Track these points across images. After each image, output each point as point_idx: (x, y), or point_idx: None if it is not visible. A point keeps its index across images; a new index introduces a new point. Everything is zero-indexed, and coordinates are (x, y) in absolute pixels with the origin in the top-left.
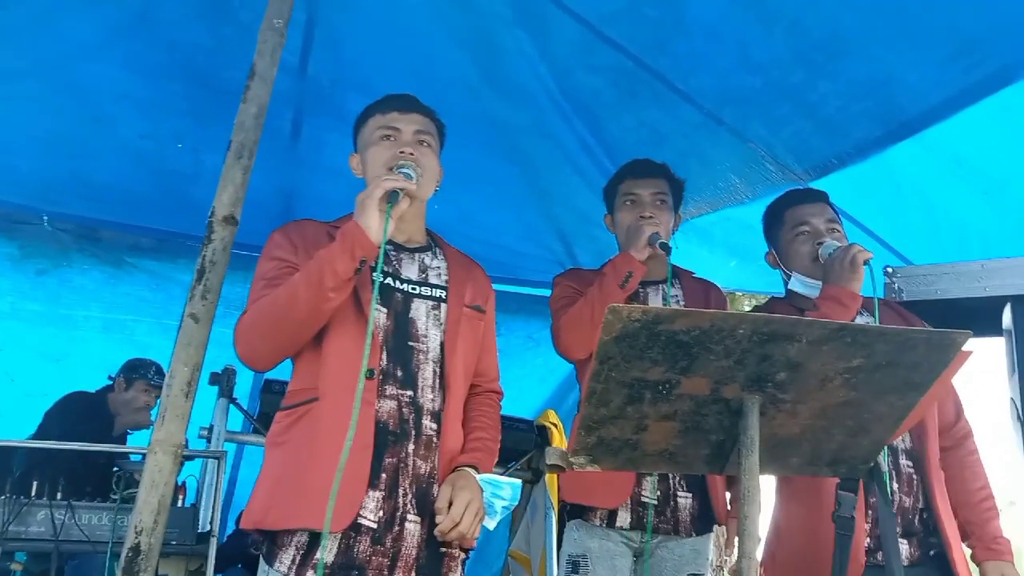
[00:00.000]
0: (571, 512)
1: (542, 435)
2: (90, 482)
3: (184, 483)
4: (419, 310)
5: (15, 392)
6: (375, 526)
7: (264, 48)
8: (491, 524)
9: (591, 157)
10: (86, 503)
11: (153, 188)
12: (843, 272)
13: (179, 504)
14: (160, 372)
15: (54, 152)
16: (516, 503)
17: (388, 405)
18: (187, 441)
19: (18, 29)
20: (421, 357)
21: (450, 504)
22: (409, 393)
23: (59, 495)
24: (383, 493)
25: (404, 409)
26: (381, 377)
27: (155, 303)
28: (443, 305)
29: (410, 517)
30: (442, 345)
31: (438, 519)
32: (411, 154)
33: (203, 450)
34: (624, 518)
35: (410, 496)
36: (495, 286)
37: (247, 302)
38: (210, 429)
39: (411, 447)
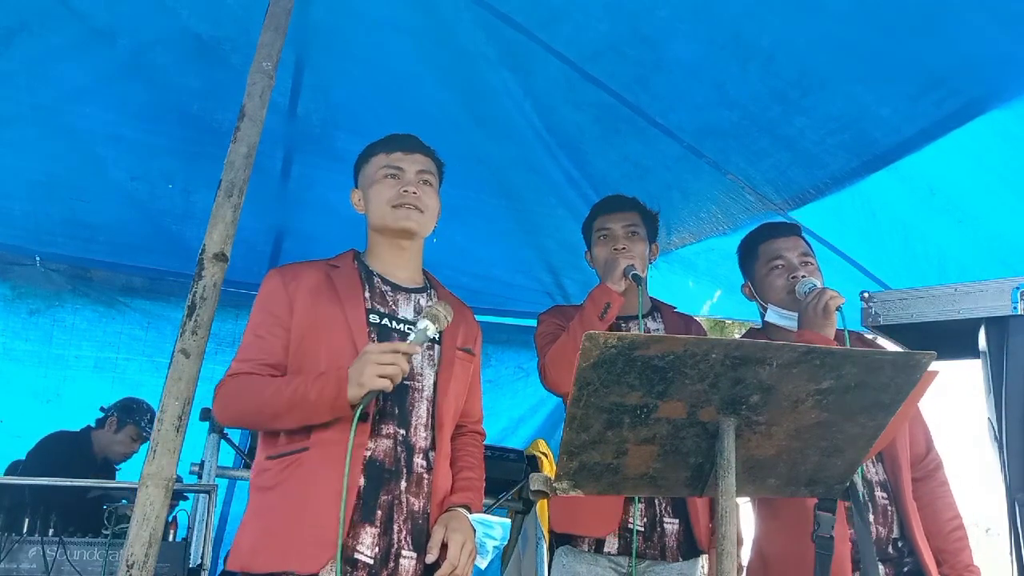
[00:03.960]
0: (559, 539)
1: (532, 465)
2: (75, 521)
3: (175, 518)
4: None
5: (3, 433)
6: (371, 561)
7: (253, 90)
8: (483, 563)
9: (577, 190)
10: (77, 539)
11: (145, 228)
12: (816, 318)
13: (170, 539)
14: (153, 421)
15: (47, 194)
16: (507, 541)
17: (384, 444)
18: (181, 478)
19: (13, 75)
20: (416, 396)
21: (444, 545)
22: (402, 432)
23: (51, 532)
24: (379, 529)
25: (398, 447)
26: (379, 416)
27: (147, 342)
28: (437, 346)
29: (405, 553)
30: (435, 385)
31: (428, 558)
32: (414, 193)
33: (194, 484)
34: (612, 544)
35: (405, 532)
36: (486, 318)
37: (238, 350)
38: (201, 464)
39: (403, 484)
